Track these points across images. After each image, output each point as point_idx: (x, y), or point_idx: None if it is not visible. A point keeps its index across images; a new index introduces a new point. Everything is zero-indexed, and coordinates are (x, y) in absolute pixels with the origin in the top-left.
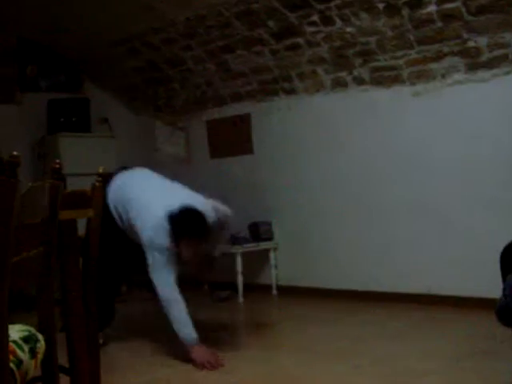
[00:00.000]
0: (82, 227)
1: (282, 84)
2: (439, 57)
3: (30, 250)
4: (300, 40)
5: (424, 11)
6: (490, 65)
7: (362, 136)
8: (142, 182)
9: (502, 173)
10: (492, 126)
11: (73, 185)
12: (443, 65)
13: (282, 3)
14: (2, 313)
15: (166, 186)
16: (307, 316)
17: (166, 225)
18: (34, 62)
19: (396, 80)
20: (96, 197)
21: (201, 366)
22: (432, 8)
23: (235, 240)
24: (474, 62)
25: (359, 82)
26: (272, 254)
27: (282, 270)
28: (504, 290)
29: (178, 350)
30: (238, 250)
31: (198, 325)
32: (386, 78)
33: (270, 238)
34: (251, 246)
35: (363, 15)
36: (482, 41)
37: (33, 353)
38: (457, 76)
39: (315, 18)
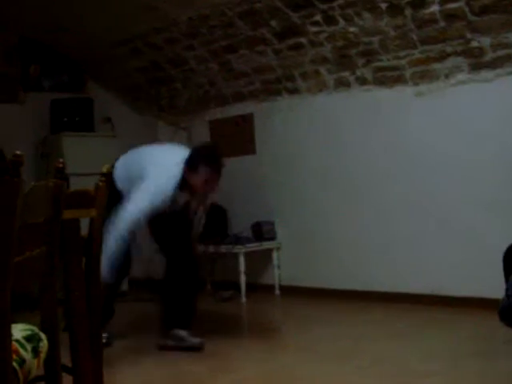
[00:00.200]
0: (85, 227)
1: (284, 84)
2: (442, 57)
3: (32, 250)
4: (303, 40)
5: (427, 11)
6: (493, 65)
7: (365, 136)
8: (147, 152)
9: (505, 173)
10: (495, 126)
11: (76, 184)
12: (446, 65)
13: (284, 3)
14: (5, 312)
15: (170, 147)
16: (310, 316)
17: (177, 173)
18: (37, 61)
19: (399, 80)
20: (99, 196)
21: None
22: (435, 8)
23: (238, 240)
24: (478, 62)
25: (362, 81)
26: (275, 254)
27: (285, 269)
28: (507, 290)
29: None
30: (241, 249)
31: (201, 324)
32: (388, 77)
33: (273, 238)
34: (254, 246)
35: (366, 15)
36: (486, 41)
37: (36, 352)
38: (460, 76)
39: (318, 17)
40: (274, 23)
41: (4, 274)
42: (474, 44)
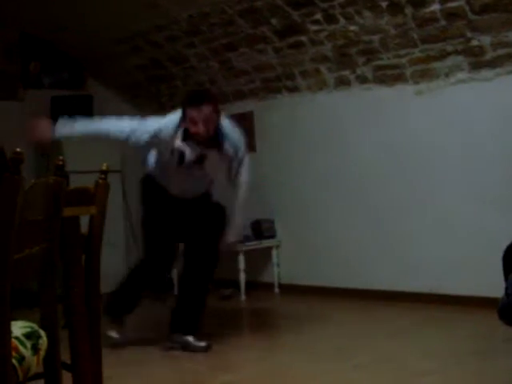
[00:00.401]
0: (84, 224)
1: (284, 82)
2: (442, 56)
3: (32, 247)
4: (303, 38)
5: (427, 10)
6: (493, 64)
7: (365, 134)
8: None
9: (505, 171)
10: (495, 124)
11: (75, 182)
12: (446, 64)
13: (285, 1)
14: (4, 309)
15: None
16: (309, 314)
17: (177, 118)
18: (37, 58)
19: (399, 79)
20: (99, 194)
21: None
22: (435, 7)
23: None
24: (478, 61)
25: (362, 80)
26: (274, 252)
27: (284, 267)
28: (506, 289)
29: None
30: (241, 247)
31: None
32: (389, 76)
33: (273, 236)
34: (254, 244)
35: (366, 13)
36: (486, 40)
37: (35, 349)
38: (460, 75)
39: (318, 16)
40: (274, 21)
41: (4, 271)
42: (475, 43)
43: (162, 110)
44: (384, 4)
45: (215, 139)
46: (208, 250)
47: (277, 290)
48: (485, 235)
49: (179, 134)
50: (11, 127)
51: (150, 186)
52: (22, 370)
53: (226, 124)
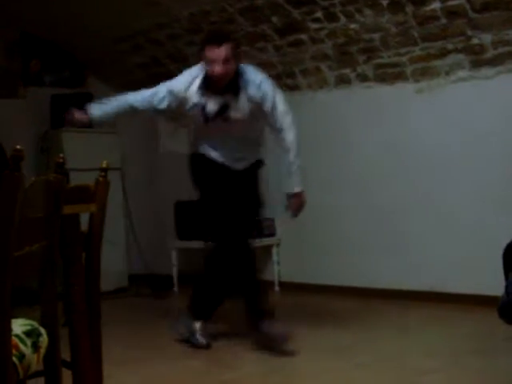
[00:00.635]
0: (84, 222)
1: (285, 80)
2: (443, 54)
3: (32, 245)
4: (304, 36)
5: (428, 8)
6: (494, 62)
7: (366, 133)
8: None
9: (506, 169)
10: (496, 123)
11: (76, 179)
12: (447, 62)
13: None
14: (4, 307)
15: None
16: (309, 312)
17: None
18: (37, 56)
19: (400, 77)
20: (99, 191)
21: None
22: (436, 5)
23: None
24: (478, 59)
25: (363, 78)
26: (274, 250)
27: (284, 266)
28: (506, 287)
29: (181, 345)
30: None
31: None
32: (389, 74)
33: (273, 234)
34: (254, 242)
35: (367, 12)
36: (487, 38)
37: (35, 347)
38: (461, 73)
39: (319, 14)
40: (274, 19)
41: (4, 269)
42: (475, 41)
43: None
44: (384, 2)
45: (236, 84)
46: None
47: (277, 288)
48: (485, 233)
49: (198, 87)
50: (12, 125)
51: (198, 162)
52: (22, 367)
53: (249, 69)
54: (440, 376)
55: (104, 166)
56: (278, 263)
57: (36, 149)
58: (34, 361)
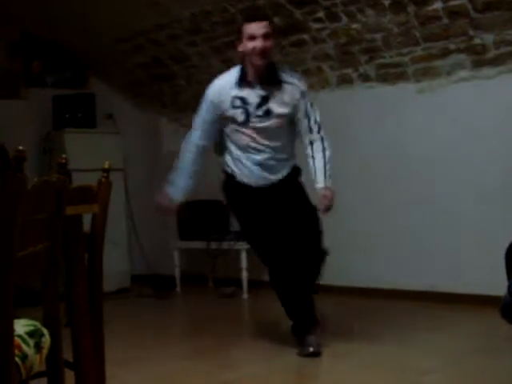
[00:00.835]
0: (87, 222)
1: None
2: (445, 54)
3: (35, 245)
4: (305, 36)
5: (430, 8)
6: (495, 62)
7: (367, 132)
8: None
9: (507, 169)
10: (497, 122)
11: (78, 180)
12: (449, 62)
13: None
14: (7, 307)
15: None
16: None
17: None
18: (39, 57)
19: (401, 77)
20: (102, 192)
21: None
22: (438, 5)
23: (240, 236)
24: (480, 59)
25: (365, 78)
26: None
27: None
28: (509, 287)
29: (183, 345)
30: (243, 246)
31: (201, 321)
32: (391, 74)
33: None
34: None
35: (369, 12)
36: (488, 38)
37: (38, 347)
38: (462, 73)
39: (321, 14)
40: (276, 20)
41: (7, 269)
42: (477, 41)
43: (164, 108)
44: (386, 2)
45: (275, 75)
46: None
47: None
48: (487, 233)
49: (236, 79)
50: (14, 126)
51: (233, 190)
52: (24, 368)
53: (285, 68)
54: (440, 376)
55: (106, 166)
56: None
57: (38, 149)
58: (37, 361)
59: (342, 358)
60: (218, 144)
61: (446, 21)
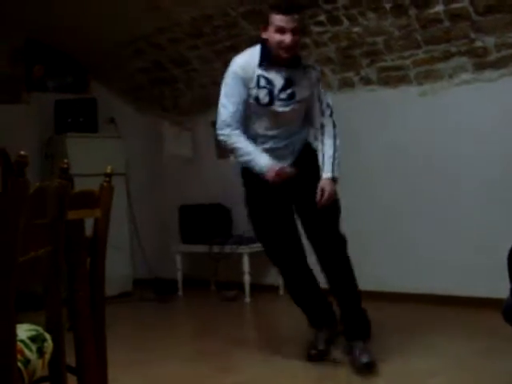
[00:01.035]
0: (89, 227)
1: None
2: (446, 57)
3: (37, 250)
4: (307, 40)
5: (431, 11)
6: (497, 65)
7: (369, 136)
8: None
9: (509, 172)
10: (499, 125)
11: (80, 185)
12: (450, 65)
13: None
14: (9, 312)
15: None
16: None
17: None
18: (41, 62)
19: (403, 80)
20: (104, 197)
21: (269, 178)
22: (439, 8)
23: (242, 240)
24: (482, 62)
25: (366, 82)
26: None
27: None
28: (511, 289)
29: (186, 348)
30: (245, 250)
31: (203, 324)
32: (393, 78)
33: None
34: (258, 246)
35: (370, 15)
36: (490, 41)
37: (40, 352)
38: (464, 76)
39: (322, 17)
40: None
41: (9, 274)
42: (478, 44)
43: (165, 112)
44: (388, 5)
45: (299, 59)
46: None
47: (281, 292)
48: (488, 235)
49: (260, 59)
50: (16, 130)
51: (249, 179)
52: (27, 373)
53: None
54: (443, 378)
55: (108, 171)
56: None
57: (40, 154)
58: (39, 366)
59: (344, 362)
60: None
61: (447, 24)
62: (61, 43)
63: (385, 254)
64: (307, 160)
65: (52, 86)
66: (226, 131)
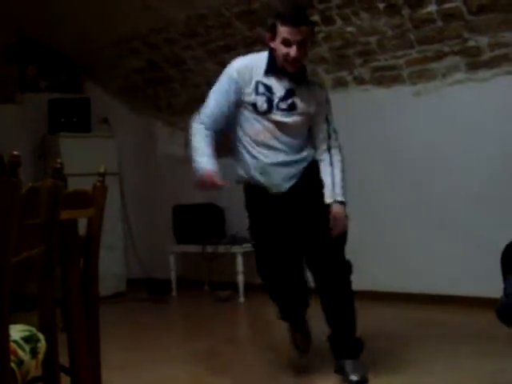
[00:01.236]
0: (82, 227)
1: None
2: (439, 56)
3: (30, 250)
4: None
5: (424, 11)
6: (490, 64)
7: (362, 136)
8: None
9: (503, 171)
10: (493, 125)
11: (73, 185)
12: (444, 64)
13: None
14: (3, 312)
15: None
16: (308, 316)
17: (262, 54)
18: (34, 62)
19: (396, 80)
20: (97, 197)
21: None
22: (432, 7)
23: (235, 240)
24: (475, 62)
25: (360, 81)
26: None
27: None
28: (505, 289)
29: (180, 349)
30: (239, 249)
31: (197, 324)
32: (386, 77)
33: None
34: (251, 246)
35: (363, 15)
36: (483, 40)
37: (34, 353)
38: (457, 75)
39: (315, 17)
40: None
41: (2, 275)
42: (472, 43)
43: (159, 112)
44: (381, 5)
45: (304, 72)
46: (336, 256)
47: None
48: (484, 235)
49: (265, 65)
50: (8, 130)
51: (251, 194)
52: (20, 373)
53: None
54: (439, 379)
55: (102, 171)
56: None
57: (33, 154)
58: (33, 367)
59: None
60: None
61: (440, 23)
62: (54, 42)
63: (380, 255)
64: (312, 182)
65: (45, 86)
66: (198, 126)
